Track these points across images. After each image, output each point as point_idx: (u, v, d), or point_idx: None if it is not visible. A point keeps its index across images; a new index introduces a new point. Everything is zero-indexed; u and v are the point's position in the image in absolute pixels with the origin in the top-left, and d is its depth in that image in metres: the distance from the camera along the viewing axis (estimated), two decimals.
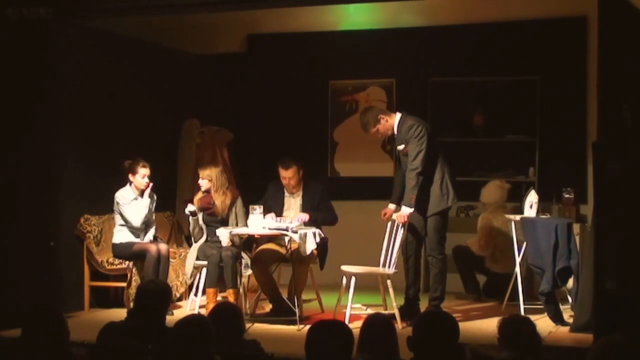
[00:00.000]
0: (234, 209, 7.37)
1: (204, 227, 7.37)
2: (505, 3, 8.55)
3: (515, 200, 7.89)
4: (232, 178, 8.17)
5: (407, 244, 6.90)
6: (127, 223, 7.33)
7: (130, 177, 7.31)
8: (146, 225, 7.45)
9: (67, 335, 4.07)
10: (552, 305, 6.76)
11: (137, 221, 7.31)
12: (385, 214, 6.99)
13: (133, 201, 7.31)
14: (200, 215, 7.36)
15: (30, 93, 7.16)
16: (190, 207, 7.28)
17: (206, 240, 7.33)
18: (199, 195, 7.44)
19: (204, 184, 7.38)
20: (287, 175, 7.15)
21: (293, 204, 7.26)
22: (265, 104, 9.27)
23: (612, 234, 5.52)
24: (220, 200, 7.33)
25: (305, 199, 7.22)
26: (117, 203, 7.30)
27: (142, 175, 7.30)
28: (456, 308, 7.43)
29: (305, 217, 7.03)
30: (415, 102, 8.50)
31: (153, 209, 7.52)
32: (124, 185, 7.36)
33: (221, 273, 7.05)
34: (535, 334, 3.93)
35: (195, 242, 7.37)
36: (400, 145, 6.85)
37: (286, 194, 7.29)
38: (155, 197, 7.51)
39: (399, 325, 6.38)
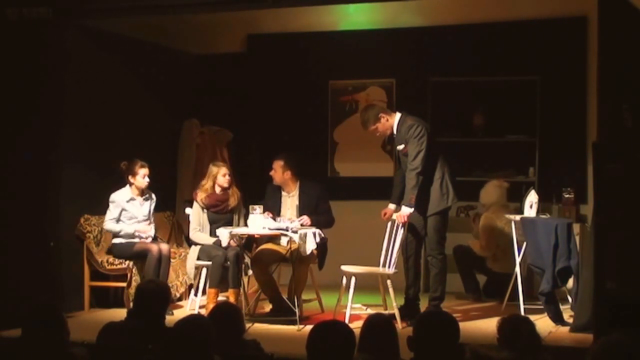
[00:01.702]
0: (238, 209, 7.39)
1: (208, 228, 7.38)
2: (505, 3, 8.55)
3: (515, 200, 7.89)
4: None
5: (407, 244, 6.90)
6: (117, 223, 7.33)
7: (130, 178, 7.32)
8: (145, 222, 7.46)
9: (67, 335, 4.07)
10: (552, 305, 6.76)
11: (130, 228, 7.31)
12: (385, 214, 6.99)
13: (130, 202, 7.32)
14: (205, 213, 7.35)
15: (30, 93, 7.16)
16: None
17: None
18: (206, 192, 7.38)
19: (225, 181, 7.37)
20: (273, 166, 7.21)
21: (290, 203, 7.27)
22: (265, 104, 9.28)
23: (612, 234, 5.52)
24: (233, 198, 7.35)
25: (302, 199, 7.22)
26: (113, 201, 7.30)
27: (142, 176, 7.31)
28: (456, 308, 7.43)
29: (307, 221, 7.03)
30: (415, 102, 8.50)
31: (153, 210, 7.53)
32: (123, 185, 7.36)
33: (224, 274, 7.04)
34: (534, 333, 3.93)
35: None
36: (400, 145, 6.85)
37: (283, 193, 7.30)
38: (154, 197, 7.51)
39: (399, 325, 6.37)
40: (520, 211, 7.37)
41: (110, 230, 7.36)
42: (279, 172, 7.20)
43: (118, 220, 7.33)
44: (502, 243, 7.76)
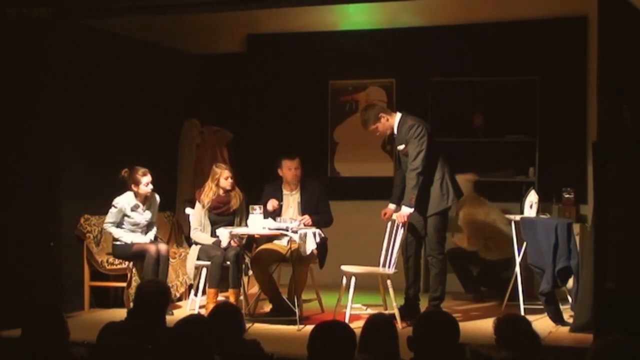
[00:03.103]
0: (240, 211, 7.39)
1: (208, 228, 7.36)
2: (505, 3, 8.55)
3: (515, 200, 7.89)
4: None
5: (407, 244, 6.90)
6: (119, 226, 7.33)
7: (134, 187, 7.29)
8: (147, 225, 7.46)
9: (67, 335, 4.07)
10: (552, 305, 6.76)
11: (128, 239, 7.30)
12: (385, 214, 6.99)
13: (134, 209, 7.31)
14: (206, 214, 7.35)
15: (30, 93, 7.16)
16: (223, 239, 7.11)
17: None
18: (210, 194, 7.38)
19: (227, 184, 7.36)
20: (294, 165, 7.18)
21: (292, 201, 7.27)
22: (265, 104, 9.28)
23: (612, 234, 5.52)
24: (236, 200, 7.36)
25: (303, 197, 7.23)
26: (116, 206, 7.28)
27: (145, 184, 7.29)
28: (456, 308, 7.43)
29: (309, 221, 7.03)
30: (415, 102, 8.50)
31: (157, 210, 7.52)
32: (123, 185, 7.35)
33: (224, 274, 7.04)
34: (531, 332, 3.93)
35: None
36: (400, 145, 6.85)
37: (284, 192, 7.30)
38: (158, 198, 7.49)
39: (399, 325, 6.37)
40: (520, 211, 7.37)
41: (109, 233, 7.36)
42: (299, 168, 7.20)
43: (119, 224, 7.32)
44: (490, 232, 7.77)
